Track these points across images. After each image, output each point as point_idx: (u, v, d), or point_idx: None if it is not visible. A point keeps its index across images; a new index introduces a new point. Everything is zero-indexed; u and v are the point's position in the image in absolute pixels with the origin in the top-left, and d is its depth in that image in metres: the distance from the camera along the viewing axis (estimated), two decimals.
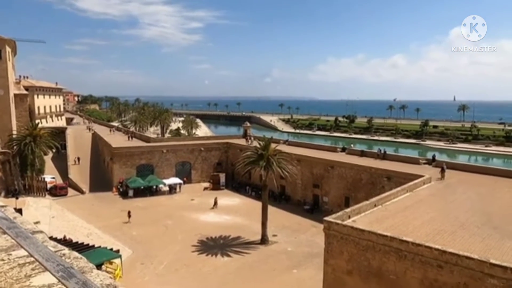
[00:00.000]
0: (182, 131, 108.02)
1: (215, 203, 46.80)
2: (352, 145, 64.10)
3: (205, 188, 56.69)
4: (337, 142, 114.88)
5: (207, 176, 59.75)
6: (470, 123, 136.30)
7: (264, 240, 35.54)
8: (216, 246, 34.92)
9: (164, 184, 54.19)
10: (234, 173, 57.62)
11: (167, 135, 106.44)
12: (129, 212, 41.62)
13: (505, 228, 21.46)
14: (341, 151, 53.31)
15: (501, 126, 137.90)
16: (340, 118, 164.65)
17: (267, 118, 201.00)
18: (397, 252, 18.68)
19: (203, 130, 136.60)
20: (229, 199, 49.61)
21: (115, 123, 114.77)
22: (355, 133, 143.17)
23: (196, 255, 32.90)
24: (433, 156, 44.80)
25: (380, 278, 19.38)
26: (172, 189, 54.30)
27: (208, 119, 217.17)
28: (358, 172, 42.35)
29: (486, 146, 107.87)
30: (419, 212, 24.53)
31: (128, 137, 68.66)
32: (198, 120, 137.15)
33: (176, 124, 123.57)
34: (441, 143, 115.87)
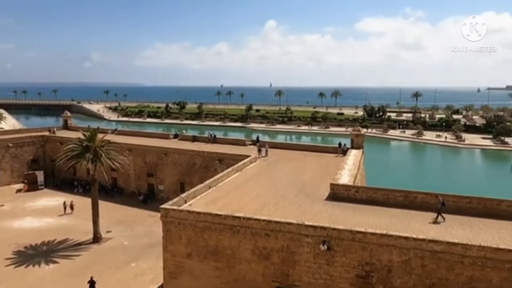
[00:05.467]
0: None
1: (71, 207, 40.15)
2: (184, 131, 65.07)
3: (19, 190, 48.81)
4: (169, 129, 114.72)
5: (19, 176, 51.76)
6: (286, 107, 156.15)
7: (96, 238, 33.08)
8: (38, 254, 30.63)
9: None
10: (55, 170, 51.25)
11: None
12: None
13: (315, 193, 25.66)
14: (173, 138, 53.84)
15: (310, 108, 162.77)
16: (171, 105, 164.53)
17: (91, 106, 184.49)
18: (231, 228, 20.13)
19: (10, 122, 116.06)
20: (52, 199, 43.84)
21: None
22: (186, 119, 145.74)
23: (12, 269, 28.14)
24: (257, 137, 49.63)
25: (217, 255, 20.58)
26: None
27: (15, 109, 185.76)
28: (192, 157, 43.41)
29: (298, 126, 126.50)
30: (248, 189, 26.92)
31: None
32: (1, 111, 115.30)
33: None
34: (263, 125, 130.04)
